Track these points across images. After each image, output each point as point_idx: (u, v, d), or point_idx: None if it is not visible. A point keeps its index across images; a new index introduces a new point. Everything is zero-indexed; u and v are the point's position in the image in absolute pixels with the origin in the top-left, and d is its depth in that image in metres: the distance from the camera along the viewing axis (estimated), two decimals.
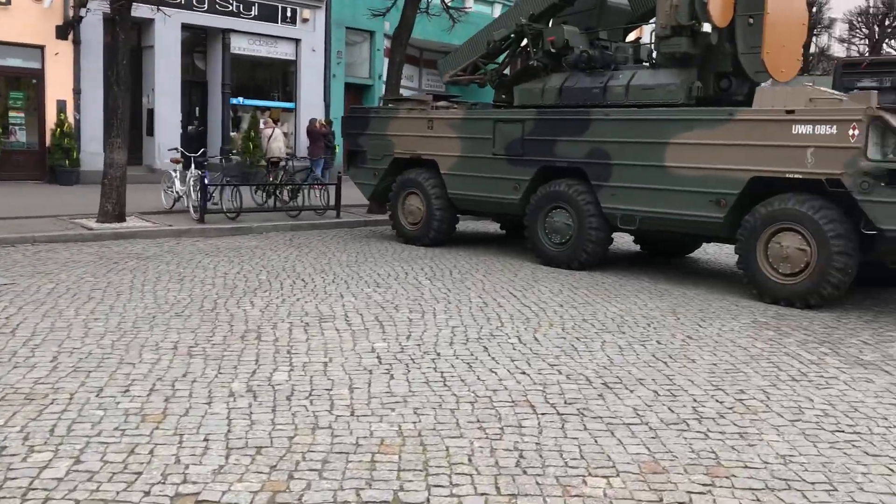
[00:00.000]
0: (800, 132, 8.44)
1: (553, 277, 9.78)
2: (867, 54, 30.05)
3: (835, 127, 8.21)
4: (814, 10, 27.41)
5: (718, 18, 9.29)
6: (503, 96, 11.74)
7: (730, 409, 5.10)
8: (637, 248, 12.56)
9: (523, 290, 8.83)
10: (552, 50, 10.85)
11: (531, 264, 10.69)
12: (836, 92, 8.63)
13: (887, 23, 29.42)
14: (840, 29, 30.93)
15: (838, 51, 31.89)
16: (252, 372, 5.49)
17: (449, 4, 16.09)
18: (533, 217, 10.73)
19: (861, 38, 30.02)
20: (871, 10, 29.72)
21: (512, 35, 11.15)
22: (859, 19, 29.90)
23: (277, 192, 14.77)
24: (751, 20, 9.52)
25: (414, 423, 4.64)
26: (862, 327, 7.72)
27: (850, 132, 8.10)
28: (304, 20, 21.35)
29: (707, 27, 9.29)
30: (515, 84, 11.36)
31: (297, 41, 21.49)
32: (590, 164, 10.14)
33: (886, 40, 29.59)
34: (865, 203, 8.05)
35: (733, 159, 8.91)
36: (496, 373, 5.66)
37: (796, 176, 8.51)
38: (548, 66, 11.03)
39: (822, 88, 8.63)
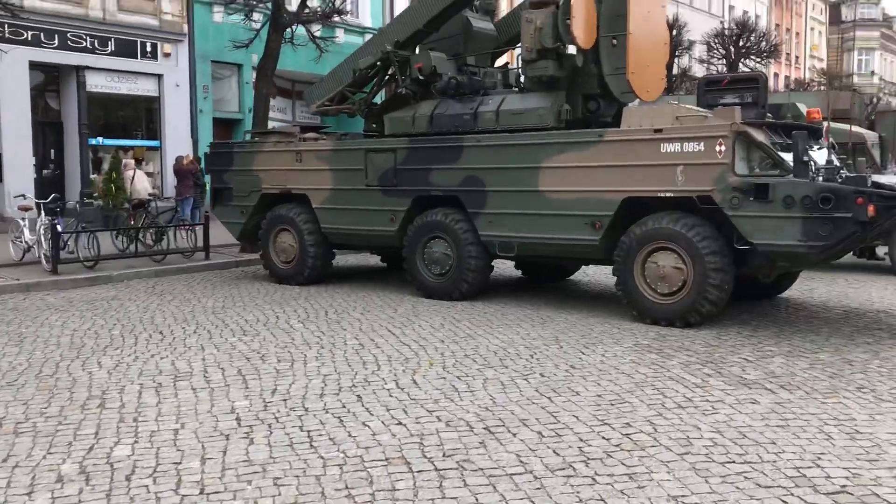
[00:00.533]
0: (668, 150, 8.43)
1: (434, 310, 9.39)
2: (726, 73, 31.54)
3: (702, 144, 8.23)
4: (674, 32, 28.50)
5: (582, 40, 9.23)
6: (374, 125, 11.35)
7: (617, 446, 4.80)
8: (519, 273, 12.36)
9: (403, 327, 8.39)
10: (420, 77, 10.55)
11: (412, 298, 10.28)
12: (702, 109, 8.67)
13: (741, 43, 30.95)
14: (699, 50, 32.34)
15: (699, 71, 33.35)
16: (89, 448, 4.80)
17: (315, 34, 15.63)
18: (411, 248, 10.35)
19: (719, 59, 31.44)
20: (726, 32, 31.22)
21: (378, 63, 10.80)
22: (716, 41, 31.35)
23: (140, 235, 13.81)
24: (614, 41, 9.51)
25: (273, 496, 4.09)
26: (742, 343, 7.67)
27: (718, 148, 8.13)
28: (166, 55, 20.40)
29: (572, 49, 9.21)
30: (385, 112, 10.99)
31: (160, 76, 20.49)
32: (465, 191, 9.86)
33: (742, 60, 31.10)
34: (736, 218, 8.06)
35: (605, 181, 8.81)
36: (369, 426, 5.18)
37: (668, 194, 8.47)
38: (417, 93, 10.72)
39: (687, 106, 8.66)
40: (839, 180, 7.74)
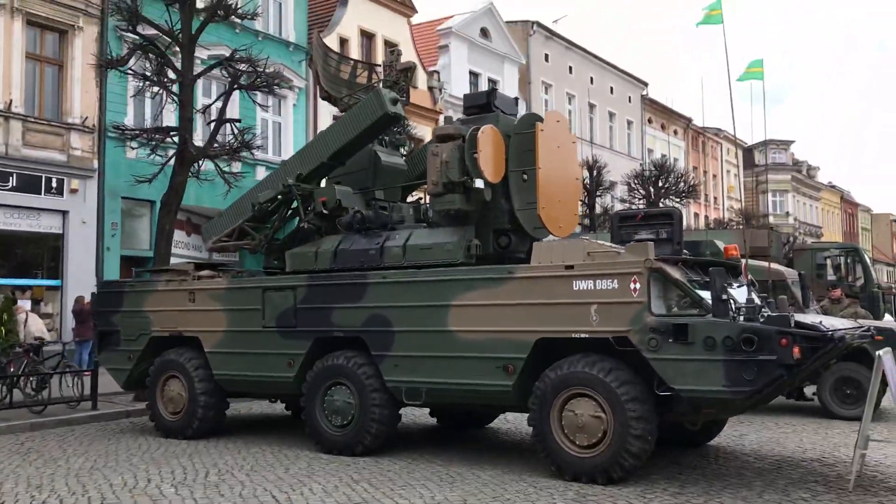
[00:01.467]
0: (581, 288, 7.87)
1: (332, 469, 8.37)
2: None
3: (616, 281, 7.70)
4: (594, 172, 29.14)
5: (490, 174, 8.81)
6: (275, 262, 10.61)
7: None
8: (434, 421, 11.44)
9: (290, 492, 7.34)
10: (325, 211, 9.96)
11: (309, 453, 9.23)
12: (614, 245, 8.22)
13: (660, 184, 31.79)
14: (621, 190, 33.08)
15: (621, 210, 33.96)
16: None
17: (224, 169, 15.09)
18: (310, 397, 9.39)
19: (640, 199, 32.13)
20: (645, 173, 32.11)
21: (279, 196, 10.19)
22: (636, 181, 32.14)
23: (19, 383, 12.49)
24: (525, 176, 9.14)
25: None
26: (670, 502, 6.86)
27: (632, 286, 7.60)
28: (73, 191, 19.54)
29: (479, 183, 8.76)
30: (287, 248, 10.29)
31: (65, 213, 19.53)
32: (369, 332, 9.07)
33: (661, 199, 31.85)
34: (656, 361, 7.44)
35: (517, 320, 8.17)
36: None
37: (582, 335, 7.85)
38: (321, 228, 10.10)
39: (599, 242, 8.20)
40: (761, 320, 7.24)
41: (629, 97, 46.99)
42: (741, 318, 7.28)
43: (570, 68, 41.24)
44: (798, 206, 69.54)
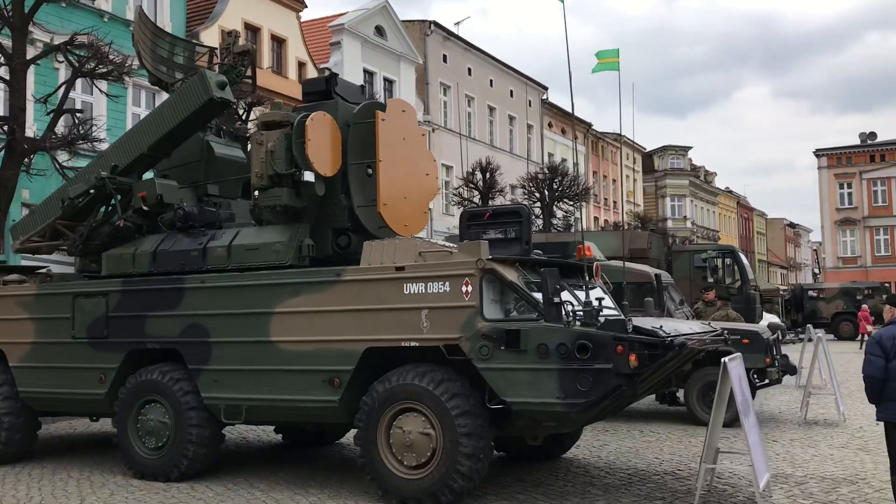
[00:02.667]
0: (412, 291, 7.13)
1: (136, 498, 7.36)
2: (541, 217, 31.92)
3: (447, 284, 6.99)
4: (487, 175, 28.67)
5: (322, 166, 7.97)
6: (93, 264, 9.48)
7: None
8: (279, 437, 10.51)
9: None
10: (144, 207, 8.91)
11: (120, 480, 8.18)
12: (448, 244, 7.51)
13: (555, 187, 31.59)
14: (519, 194, 32.73)
15: None
16: None
17: (65, 163, 13.76)
18: (122, 416, 8.34)
19: (534, 202, 31.86)
20: (539, 176, 31.86)
21: (91, 191, 9.08)
22: (531, 185, 31.85)
23: None
24: (370, 170, 8.35)
25: None
26: None
27: (464, 289, 6.90)
28: None
29: (309, 176, 7.92)
30: (105, 249, 9.19)
31: None
32: (186, 343, 8.10)
33: (556, 203, 31.69)
34: (487, 371, 6.76)
35: (344, 328, 7.36)
36: None
37: (412, 344, 7.10)
38: (142, 227, 9.05)
39: (432, 241, 7.48)
40: (597, 325, 6.63)
41: (529, 101, 46.97)
42: (578, 323, 6.67)
43: (469, 70, 40.84)
44: (696, 211, 71.31)
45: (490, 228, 8.59)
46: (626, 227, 45.77)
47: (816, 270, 77.00)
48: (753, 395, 12.38)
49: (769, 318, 34.97)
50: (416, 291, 7.09)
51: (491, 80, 42.81)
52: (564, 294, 6.93)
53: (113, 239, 9.22)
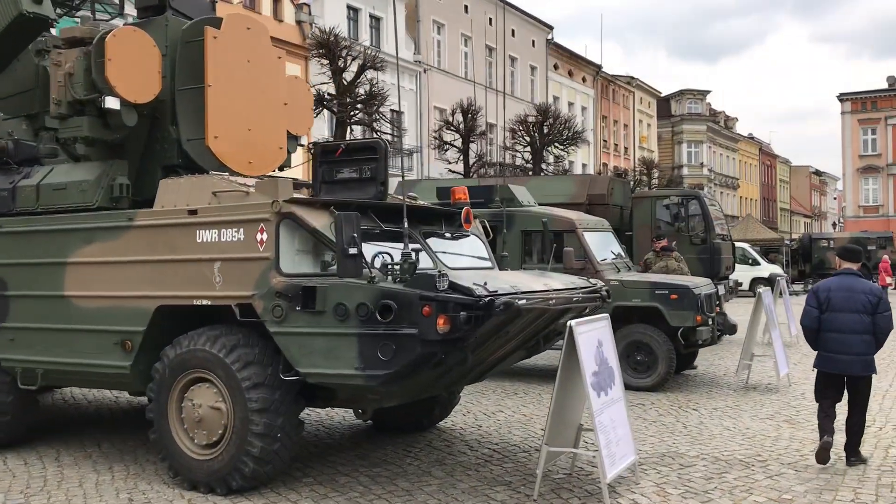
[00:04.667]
0: (205, 240, 6.00)
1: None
2: (531, 161, 30.48)
3: (241, 230, 5.85)
4: (468, 117, 27.22)
5: (130, 91, 6.75)
6: None
7: None
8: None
9: None
10: None
11: None
12: (249, 182, 6.31)
13: (545, 130, 30.06)
14: (501, 137, 31.27)
15: (506, 158, 32.30)
16: None
17: None
18: None
19: (524, 146, 30.43)
20: (528, 119, 30.31)
21: None
22: (520, 128, 30.36)
23: None
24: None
25: None
26: None
27: (258, 237, 5.75)
28: None
29: (113, 103, 6.70)
30: None
31: None
32: None
33: (546, 147, 30.20)
34: (280, 336, 5.64)
35: (136, 283, 6.28)
36: None
37: (204, 302, 5.99)
38: None
39: (230, 178, 6.30)
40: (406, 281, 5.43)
41: (532, 41, 45.04)
42: (390, 279, 5.48)
43: (466, 7, 39.05)
44: (713, 157, 69.04)
45: (344, 166, 7.42)
46: (643, 177, 44.19)
47: (839, 220, 74.55)
48: (689, 359, 11.21)
49: (771, 268, 33.67)
50: (210, 240, 5.96)
51: (490, 19, 40.87)
52: (376, 245, 5.75)
53: None
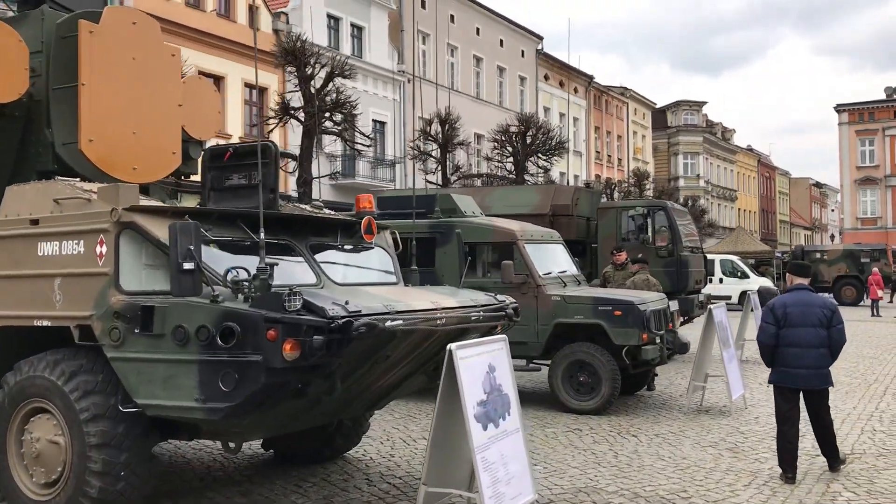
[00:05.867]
0: (46, 253, 5.37)
1: None
2: (512, 172, 29.81)
3: (81, 242, 5.21)
4: (446, 127, 26.58)
5: None
6: None
7: None
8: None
9: None
10: None
11: None
12: (91, 187, 5.67)
13: (528, 140, 29.41)
14: (486, 148, 30.63)
15: (485, 168, 31.70)
16: None
17: None
18: None
19: (507, 156, 29.76)
20: (510, 129, 29.65)
21: None
22: (503, 137, 29.70)
23: None
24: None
25: None
26: None
27: (98, 249, 5.11)
28: None
29: None
30: None
31: None
32: None
33: (529, 157, 29.53)
34: (117, 363, 4.99)
35: None
36: None
37: (45, 323, 5.35)
38: None
39: (77, 184, 5.65)
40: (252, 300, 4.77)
41: (522, 51, 44.50)
42: (241, 297, 4.83)
43: (452, 17, 38.46)
44: (710, 169, 68.38)
45: (234, 172, 6.83)
46: (633, 188, 43.53)
47: (839, 232, 73.77)
48: (641, 379, 10.53)
49: (760, 281, 32.89)
50: (51, 253, 5.34)
51: (477, 28, 40.44)
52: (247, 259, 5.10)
53: None
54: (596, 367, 9.34)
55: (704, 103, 67.85)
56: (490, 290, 9.69)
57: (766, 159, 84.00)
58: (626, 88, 57.11)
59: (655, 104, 62.98)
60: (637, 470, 6.95)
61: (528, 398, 10.56)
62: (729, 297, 28.16)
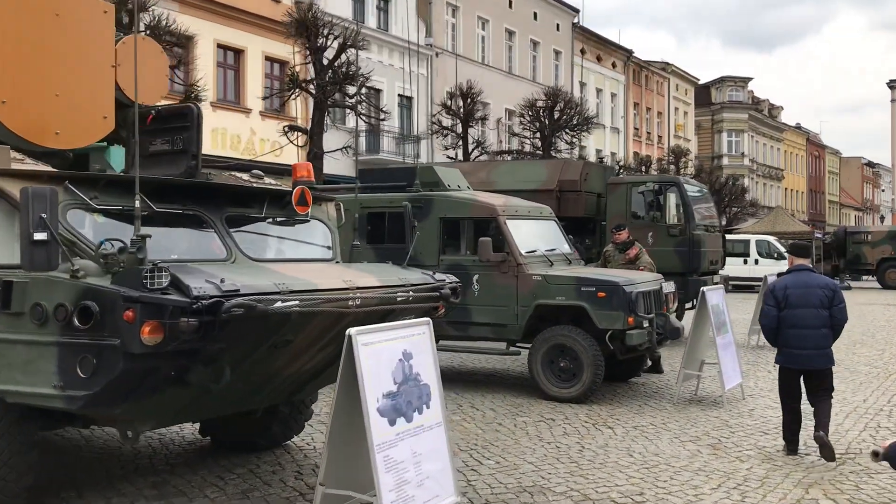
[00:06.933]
0: None
1: None
2: (540, 148, 28.96)
3: None
4: (467, 101, 25.83)
5: None
6: None
7: None
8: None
9: None
10: None
11: None
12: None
13: (555, 116, 28.49)
14: (515, 123, 29.79)
15: (513, 144, 30.89)
16: None
17: None
18: None
19: (534, 132, 28.89)
20: (538, 104, 28.74)
21: None
22: (530, 112, 28.83)
23: None
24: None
25: None
26: None
27: None
28: None
29: None
30: None
31: None
32: None
33: (557, 133, 28.61)
34: None
35: None
36: None
37: None
38: None
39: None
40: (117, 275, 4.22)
41: (557, 24, 43.30)
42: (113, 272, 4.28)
43: None
44: (755, 147, 66.35)
45: (158, 136, 6.32)
46: (670, 165, 42.32)
47: (890, 212, 71.13)
48: (634, 365, 9.83)
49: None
50: None
51: (510, 1, 39.39)
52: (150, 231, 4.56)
53: None
54: (577, 352, 8.65)
55: (750, 79, 65.74)
56: (468, 268, 9.30)
57: (815, 137, 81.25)
58: (667, 63, 55.44)
59: (699, 80, 61.10)
60: (598, 467, 6.30)
61: (508, 384, 9.93)
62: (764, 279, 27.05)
